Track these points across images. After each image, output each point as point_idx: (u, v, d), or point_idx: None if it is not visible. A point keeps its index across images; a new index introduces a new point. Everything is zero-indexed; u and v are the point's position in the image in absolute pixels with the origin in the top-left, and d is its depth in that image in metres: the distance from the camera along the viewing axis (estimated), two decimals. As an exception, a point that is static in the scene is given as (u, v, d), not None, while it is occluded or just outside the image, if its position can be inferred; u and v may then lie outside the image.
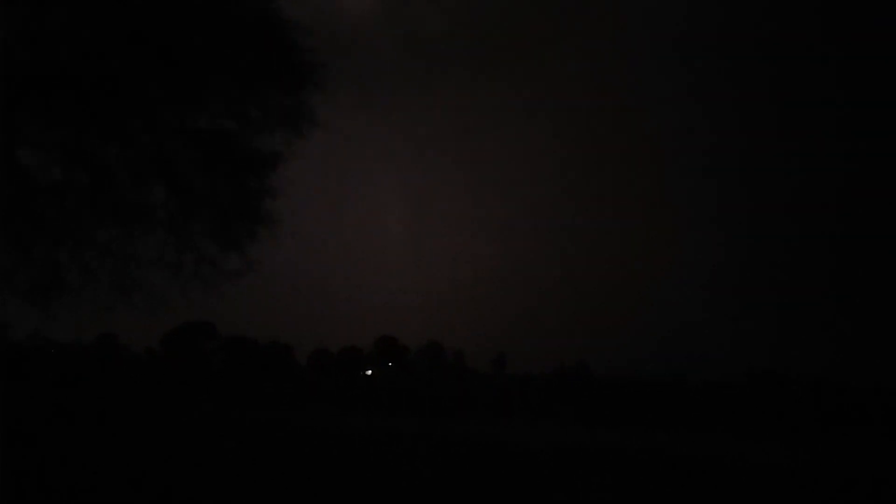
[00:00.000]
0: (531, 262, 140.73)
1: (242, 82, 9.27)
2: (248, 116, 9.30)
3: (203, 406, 34.92)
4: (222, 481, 12.14)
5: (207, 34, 8.79)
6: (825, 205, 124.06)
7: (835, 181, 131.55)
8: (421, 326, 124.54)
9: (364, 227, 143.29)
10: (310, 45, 9.28)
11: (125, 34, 8.23)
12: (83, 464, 13.16)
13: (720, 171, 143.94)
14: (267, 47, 9.26)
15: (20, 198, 8.01)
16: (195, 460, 14.76)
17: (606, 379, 64.12)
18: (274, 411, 34.23)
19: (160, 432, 20.94)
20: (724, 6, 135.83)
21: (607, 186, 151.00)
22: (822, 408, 44.12)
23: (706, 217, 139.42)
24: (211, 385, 51.20)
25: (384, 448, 19.49)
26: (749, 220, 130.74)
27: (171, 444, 17.67)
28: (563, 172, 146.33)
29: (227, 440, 19.65)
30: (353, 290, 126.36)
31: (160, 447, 16.82)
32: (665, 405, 46.07)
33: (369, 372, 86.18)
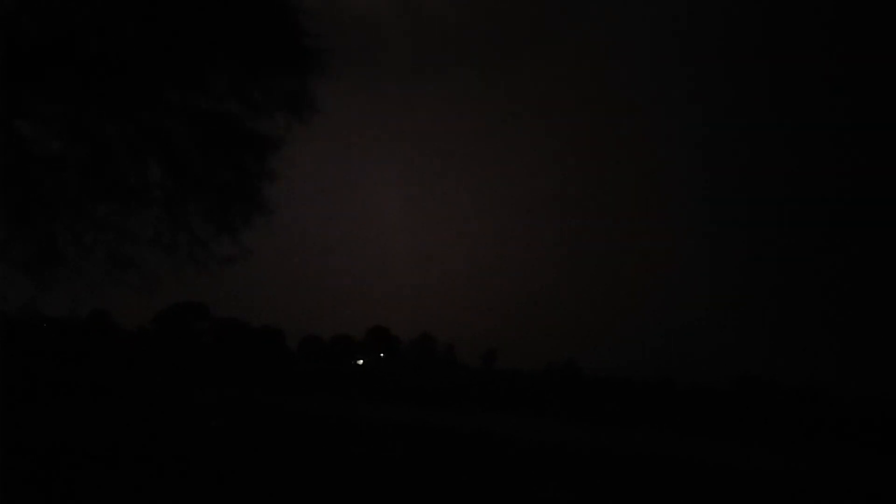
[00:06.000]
0: (526, 260, 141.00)
1: (246, 64, 9.28)
2: (250, 99, 9.31)
3: (191, 386, 34.99)
4: (208, 462, 12.23)
5: (213, 14, 8.79)
6: (819, 215, 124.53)
7: (830, 191, 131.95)
8: (414, 318, 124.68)
9: (361, 218, 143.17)
10: (315, 29, 9.31)
11: (130, 10, 8.24)
12: (72, 445, 13.22)
13: (717, 177, 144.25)
14: (272, 30, 9.27)
15: (17, 168, 8.04)
16: (180, 441, 14.84)
17: (595, 378, 64.44)
18: (262, 395, 34.31)
19: (145, 410, 21.01)
20: (724, 7, 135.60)
21: (603, 189, 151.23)
22: (807, 416, 44.45)
23: (701, 222, 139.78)
24: (200, 365, 51.25)
25: (371, 436, 19.61)
26: (744, 228, 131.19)
27: (157, 423, 17.74)
28: (561, 173, 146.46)
29: (214, 419, 19.74)
30: (347, 279, 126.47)
31: (144, 425, 16.89)
32: (651, 406, 46.35)
33: (360, 361, 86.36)
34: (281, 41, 9.36)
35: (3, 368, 16.40)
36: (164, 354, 55.67)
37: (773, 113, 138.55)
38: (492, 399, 46.98)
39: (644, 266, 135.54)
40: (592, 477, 15.13)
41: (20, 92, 8.01)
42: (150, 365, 47.34)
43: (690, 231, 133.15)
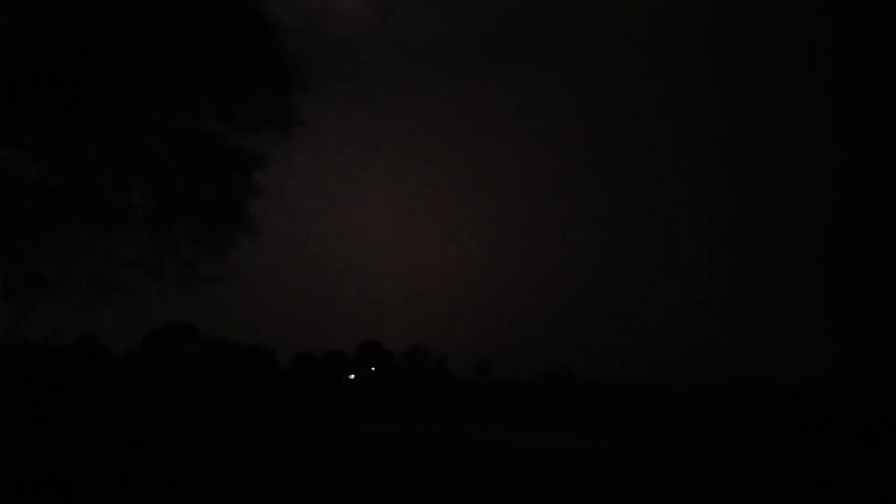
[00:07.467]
0: (517, 268, 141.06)
1: (228, 82, 9.24)
2: (234, 117, 9.26)
3: (182, 410, 34.57)
4: (204, 485, 12.03)
5: (194, 34, 8.75)
6: (815, 215, 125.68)
7: (826, 191, 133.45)
8: (406, 330, 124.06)
9: (350, 231, 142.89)
10: (297, 46, 9.29)
11: (111, 33, 8.18)
12: (67, 468, 12.98)
13: (712, 180, 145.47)
14: (254, 48, 9.24)
15: (-1, 194, 7.91)
16: (176, 465, 14.61)
17: (591, 385, 64.38)
18: (254, 415, 33.96)
19: (140, 436, 20.71)
20: (722, 10, 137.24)
21: (597, 193, 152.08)
22: (805, 414, 44.61)
23: (696, 225, 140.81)
24: (191, 388, 50.66)
25: (366, 453, 19.42)
26: (739, 230, 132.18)
27: (152, 448, 17.46)
28: (553, 179, 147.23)
29: (209, 446, 19.46)
30: (337, 293, 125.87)
31: (141, 451, 16.63)
32: (649, 411, 46.34)
33: (352, 376, 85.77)
34: (263, 59, 9.34)
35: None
36: (153, 378, 54.96)
37: (770, 115, 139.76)
38: (487, 410, 46.75)
39: (637, 268, 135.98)
40: (594, 486, 15.05)
41: (1, 115, 7.90)
42: (137, 390, 46.74)
43: (684, 232, 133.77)
